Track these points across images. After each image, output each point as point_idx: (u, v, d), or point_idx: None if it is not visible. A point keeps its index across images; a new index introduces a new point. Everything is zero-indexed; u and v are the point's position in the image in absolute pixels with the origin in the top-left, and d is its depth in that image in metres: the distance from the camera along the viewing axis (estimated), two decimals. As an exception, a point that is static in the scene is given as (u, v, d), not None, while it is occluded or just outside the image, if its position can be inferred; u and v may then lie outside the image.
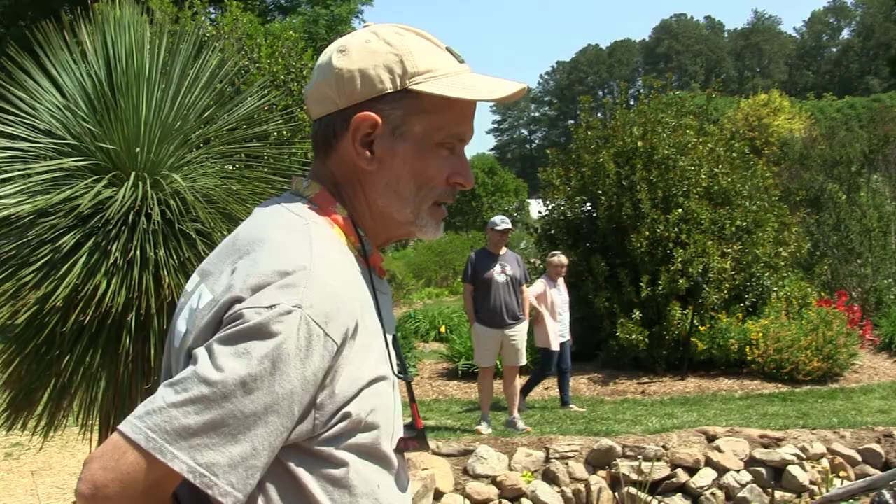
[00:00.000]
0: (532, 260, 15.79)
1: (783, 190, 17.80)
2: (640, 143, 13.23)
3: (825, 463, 8.23)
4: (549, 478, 7.94)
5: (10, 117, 4.77)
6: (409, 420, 1.60)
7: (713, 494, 7.90)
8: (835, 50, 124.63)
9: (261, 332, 1.31)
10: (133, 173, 4.66)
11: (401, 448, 1.53)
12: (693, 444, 8.30)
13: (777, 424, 8.97)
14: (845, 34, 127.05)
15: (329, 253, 1.46)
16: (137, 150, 4.74)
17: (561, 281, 10.41)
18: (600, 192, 13.38)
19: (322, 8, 35.74)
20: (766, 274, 13.09)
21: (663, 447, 8.18)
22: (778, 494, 8.02)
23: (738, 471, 8.08)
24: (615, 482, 7.94)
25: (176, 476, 1.30)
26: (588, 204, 14.22)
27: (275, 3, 37.61)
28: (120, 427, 1.31)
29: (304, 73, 14.97)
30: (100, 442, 4.56)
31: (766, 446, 8.32)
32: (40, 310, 4.29)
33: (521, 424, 9.19)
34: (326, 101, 1.57)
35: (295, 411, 1.34)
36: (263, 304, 1.33)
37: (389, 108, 1.54)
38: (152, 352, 4.48)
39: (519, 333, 9.26)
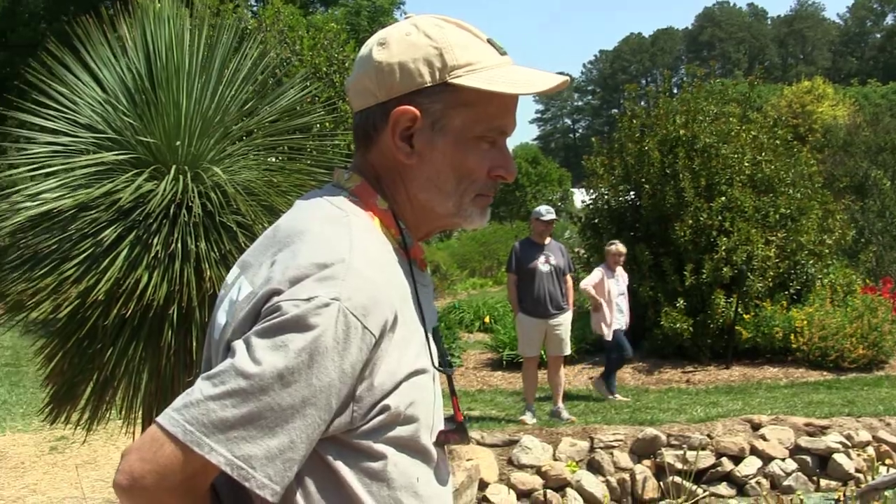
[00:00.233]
0: (576, 249, 15.69)
1: (827, 177, 17.58)
2: (682, 132, 13.13)
3: (871, 451, 8.20)
4: (594, 467, 7.93)
5: (52, 112, 4.81)
6: (449, 413, 1.59)
7: (758, 483, 7.87)
8: (879, 36, 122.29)
9: (298, 325, 1.31)
10: (174, 167, 4.68)
11: (441, 441, 1.52)
12: (738, 432, 8.26)
13: (822, 412, 8.90)
14: (889, 20, 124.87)
15: (368, 245, 1.45)
16: (178, 143, 4.76)
17: (620, 269, 10.37)
18: (644, 180, 13.28)
19: (364, -1, 35.77)
20: (811, 261, 12.94)
21: (708, 436, 8.15)
22: (823, 482, 7.98)
23: (783, 459, 8.05)
24: (660, 471, 7.94)
25: (213, 469, 1.30)
26: (632, 193, 14.13)
27: (317, -5, 37.68)
28: (158, 419, 1.31)
29: (347, 64, 15.03)
30: (142, 435, 4.59)
31: (811, 434, 8.27)
32: (82, 304, 4.32)
33: (565, 414, 9.16)
34: (366, 93, 1.56)
35: (333, 404, 1.33)
36: (301, 296, 1.32)
37: (429, 101, 1.51)
38: (194, 344, 4.49)
39: (563, 323, 9.21)
